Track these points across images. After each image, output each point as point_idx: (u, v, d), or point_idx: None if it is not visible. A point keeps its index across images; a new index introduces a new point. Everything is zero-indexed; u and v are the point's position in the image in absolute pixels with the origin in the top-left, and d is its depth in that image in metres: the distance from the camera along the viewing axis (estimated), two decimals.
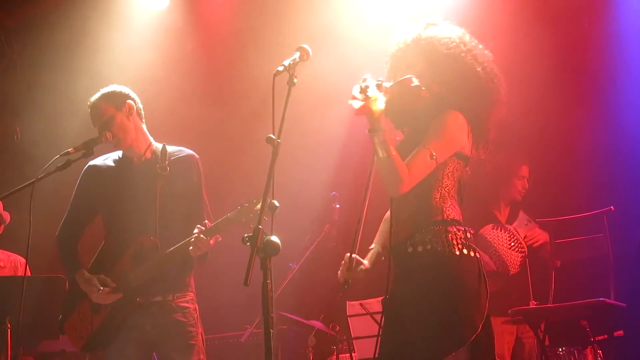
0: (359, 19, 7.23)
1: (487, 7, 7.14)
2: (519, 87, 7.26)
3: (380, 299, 6.39)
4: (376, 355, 3.87)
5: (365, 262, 4.13)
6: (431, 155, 3.75)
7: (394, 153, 3.66)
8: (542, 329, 6.22)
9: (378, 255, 4.19)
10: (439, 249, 3.78)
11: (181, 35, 8.05)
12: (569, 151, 7.47)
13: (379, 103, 3.61)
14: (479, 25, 6.36)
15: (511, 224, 6.79)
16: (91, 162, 5.21)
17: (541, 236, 6.73)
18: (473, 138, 3.97)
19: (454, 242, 3.79)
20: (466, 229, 3.89)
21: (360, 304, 6.64)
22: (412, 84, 3.74)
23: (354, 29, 7.10)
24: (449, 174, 3.91)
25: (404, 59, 4.03)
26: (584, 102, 7.37)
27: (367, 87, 3.58)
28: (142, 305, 4.89)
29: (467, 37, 4.07)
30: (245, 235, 3.34)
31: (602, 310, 5.98)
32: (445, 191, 3.89)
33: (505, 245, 6.67)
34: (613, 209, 6.45)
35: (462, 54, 3.99)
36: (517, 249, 6.63)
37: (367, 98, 3.58)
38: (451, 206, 3.89)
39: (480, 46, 4.08)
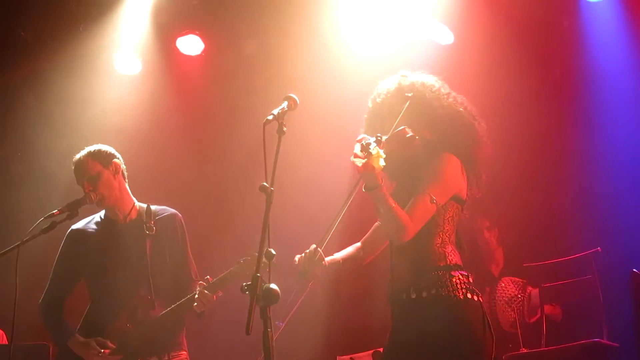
0: (330, 76, 7.36)
1: (460, 58, 7.27)
2: (499, 133, 7.42)
3: (370, 352, 6.44)
4: None
5: (326, 260, 4.09)
6: (431, 200, 3.84)
7: (393, 205, 3.73)
8: None
9: (337, 264, 4.17)
10: (444, 293, 3.83)
11: (156, 98, 8.08)
12: (554, 194, 7.53)
13: (381, 160, 3.66)
14: (453, 70, 6.55)
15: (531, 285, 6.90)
16: (74, 227, 5.22)
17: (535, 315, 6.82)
18: (467, 179, 4.06)
19: (459, 287, 3.86)
20: (468, 274, 3.95)
21: (351, 358, 6.65)
22: (408, 135, 3.79)
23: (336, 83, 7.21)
24: (449, 219, 3.99)
25: (390, 108, 4.10)
26: (568, 145, 7.46)
27: (368, 144, 3.64)
28: None
29: (441, 83, 4.20)
30: (244, 284, 3.33)
31: (597, 351, 6.03)
32: (446, 236, 3.97)
33: (504, 298, 6.75)
34: (600, 250, 6.53)
35: (445, 97, 4.12)
36: (514, 307, 6.71)
37: (369, 155, 3.63)
38: (452, 251, 3.97)
39: (453, 92, 4.21)
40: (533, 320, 6.79)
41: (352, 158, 3.67)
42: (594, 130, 7.39)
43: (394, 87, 4.15)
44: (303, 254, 3.98)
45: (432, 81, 4.18)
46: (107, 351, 4.86)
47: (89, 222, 5.24)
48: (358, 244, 4.29)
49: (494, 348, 3.87)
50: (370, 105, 4.25)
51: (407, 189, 3.93)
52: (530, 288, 6.90)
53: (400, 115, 3.95)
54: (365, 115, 4.28)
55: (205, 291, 4.70)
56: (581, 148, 7.39)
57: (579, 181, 7.42)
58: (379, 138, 3.72)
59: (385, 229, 3.85)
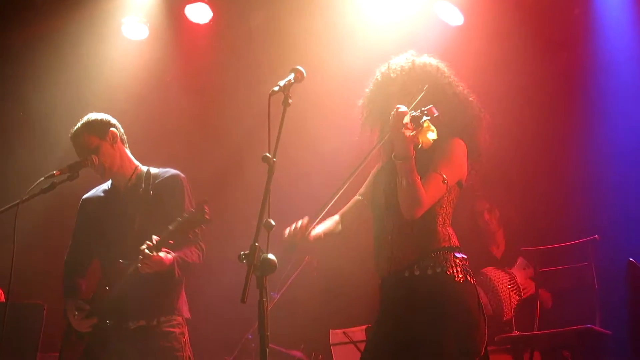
0: (340, 48, 7.34)
1: (470, 40, 7.25)
2: (503, 118, 7.42)
3: (363, 327, 6.45)
4: None
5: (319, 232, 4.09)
6: (443, 180, 3.89)
7: (418, 180, 3.77)
8: (528, 357, 6.30)
9: (320, 240, 4.12)
10: (448, 272, 3.89)
11: (163, 65, 8.07)
12: (555, 181, 7.55)
13: (431, 134, 3.74)
14: (461, 51, 6.52)
15: (511, 267, 6.89)
16: (85, 196, 5.27)
17: (531, 288, 6.82)
18: (470, 164, 4.10)
19: (460, 269, 3.92)
20: (467, 257, 4.01)
21: (344, 333, 6.68)
22: (435, 114, 3.76)
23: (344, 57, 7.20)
24: (451, 202, 4.05)
25: (402, 85, 4.10)
26: (572, 132, 7.46)
27: (420, 116, 3.69)
28: (122, 330, 4.87)
29: (452, 70, 4.22)
30: (242, 252, 3.34)
31: (589, 337, 6.05)
32: (447, 218, 4.03)
33: (505, 286, 6.77)
34: (598, 238, 6.53)
35: (456, 84, 4.16)
36: (515, 291, 6.72)
37: (420, 127, 3.70)
38: (453, 233, 4.03)
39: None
40: (524, 299, 6.80)
41: (403, 130, 3.68)
42: (598, 119, 7.38)
43: (407, 66, 4.15)
44: (293, 227, 3.95)
45: (445, 67, 4.19)
46: (81, 315, 4.90)
47: (97, 190, 5.27)
48: (336, 217, 4.26)
49: (487, 330, 3.92)
50: (379, 78, 4.23)
51: (419, 165, 3.89)
52: (510, 270, 6.91)
53: (420, 96, 3.94)
54: (371, 87, 4.28)
55: (147, 251, 4.61)
56: (585, 136, 7.38)
57: (582, 169, 7.42)
58: (425, 112, 3.72)
59: (403, 201, 3.82)
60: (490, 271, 6.90)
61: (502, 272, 6.88)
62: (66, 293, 5.09)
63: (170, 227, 4.65)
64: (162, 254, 4.68)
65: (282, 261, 3.81)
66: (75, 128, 5.07)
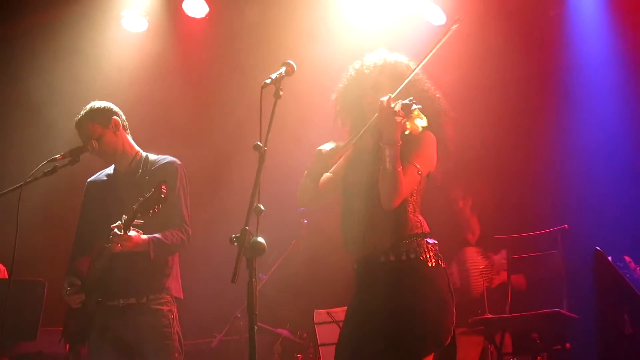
0: (330, 44, 7.40)
1: (451, 39, 7.31)
2: (482, 112, 7.51)
3: (345, 307, 6.52)
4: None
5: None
6: (418, 171, 3.95)
7: (400, 168, 3.83)
8: (499, 339, 6.41)
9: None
10: (421, 258, 3.95)
11: (161, 57, 8.12)
12: (528, 173, 7.63)
13: (420, 121, 3.79)
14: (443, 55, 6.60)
15: (494, 254, 7.01)
16: (89, 179, 5.26)
17: (504, 276, 6.92)
18: (438, 157, 4.14)
19: (431, 254, 3.98)
20: (437, 242, 4.07)
21: (328, 313, 6.75)
22: (413, 107, 3.81)
23: (325, 53, 7.26)
24: (420, 191, 4.09)
25: (375, 81, 4.16)
26: (545, 127, 7.54)
27: (410, 105, 3.76)
28: (112, 308, 4.89)
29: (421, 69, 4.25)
30: (233, 235, 3.38)
31: (557, 320, 6.15)
32: (417, 206, 4.08)
33: (477, 269, 6.87)
34: (567, 227, 6.63)
35: (425, 82, 4.22)
36: (485, 277, 6.82)
37: (410, 114, 3.76)
38: (424, 220, 4.08)
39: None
40: (496, 284, 6.91)
41: (395, 117, 3.76)
42: (571, 115, 7.46)
43: (380, 63, 4.20)
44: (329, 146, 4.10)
45: (414, 65, 4.20)
46: (71, 290, 4.90)
47: (101, 174, 5.25)
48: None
49: (455, 311, 3.98)
50: (353, 74, 4.27)
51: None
52: (491, 254, 7.01)
53: (400, 88, 3.98)
54: (345, 83, 4.30)
55: (116, 230, 4.62)
56: (558, 130, 7.46)
57: (553, 162, 7.51)
58: (413, 100, 3.79)
59: (383, 187, 3.87)
60: (469, 252, 7.05)
61: (481, 257, 6.99)
62: (67, 272, 5.08)
63: (134, 207, 4.62)
64: (132, 233, 4.67)
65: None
66: (78, 116, 5.05)
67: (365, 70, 4.21)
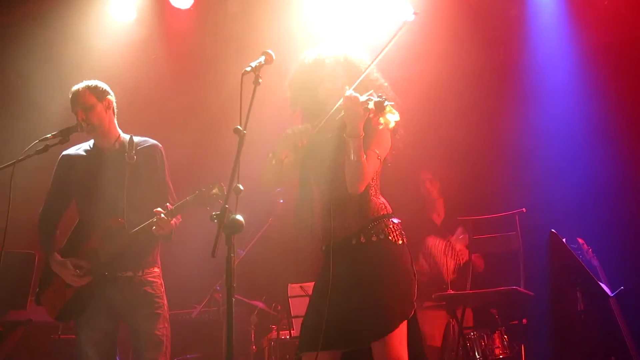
0: (310, 33, 7.33)
1: (418, 33, 7.27)
2: (447, 101, 7.49)
3: None
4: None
5: None
6: (378, 157, 3.96)
7: (363, 157, 3.83)
8: (461, 314, 6.39)
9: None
10: (390, 238, 3.99)
11: (146, 45, 8.00)
12: (490, 159, 7.62)
13: (392, 116, 3.77)
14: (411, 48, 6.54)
15: (451, 235, 6.97)
16: (65, 152, 5.16)
17: (465, 255, 6.90)
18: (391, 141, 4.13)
19: (397, 233, 4.02)
20: (400, 221, 4.09)
21: (300, 287, 6.73)
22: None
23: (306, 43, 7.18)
24: (379, 174, 4.11)
25: (332, 70, 4.13)
26: (504, 118, 7.51)
27: (383, 102, 3.74)
28: (112, 279, 4.87)
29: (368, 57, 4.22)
30: (214, 213, 3.38)
31: (514, 297, 6.15)
32: (378, 189, 4.11)
33: (441, 252, 6.86)
34: (525, 210, 6.63)
35: (375, 72, 4.19)
36: (451, 256, 6.82)
37: (382, 110, 3.74)
38: (386, 202, 4.11)
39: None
40: (463, 262, 6.90)
41: (361, 110, 3.75)
42: (528, 105, 7.47)
43: (339, 54, 4.17)
44: (296, 129, 4.02)
45: (366, 57, 4.20)
46: (81, 273, 4.87)
47: (79, 149, 5.17)
48: None
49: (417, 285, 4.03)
50: (309, 62, 4.21)
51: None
52: (449, 236, 7.01)
53: (358, 81, 3.94)
54: (299, 69, 4.24)
55: (162, 216, 4.69)
56: (517, 120, 7.44)
57: (513, 149, 7.51)
58: (383, 97, 3.77)
59: (350, 176, 3.87)
60: (430, 240, 7.05)
61: (440, 240, 6.98)
62: (47, 246, 5.01)
63: (188, 198, 4.73)
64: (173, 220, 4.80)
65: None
66: (77, 86, 5.02)
67: (326, 60, 4.16)
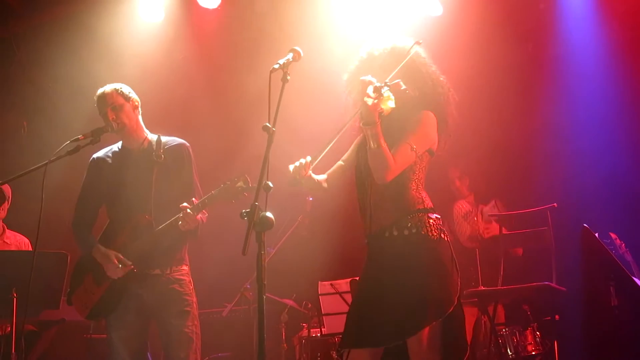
0: (338, 30, 7.34)
1: (448, 29, 7.24)
2: (477, 98, 7.44)
3: (348, 280, 6.49)
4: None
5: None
6: (412, 148, 3.90)
7: (384, 145, 3.79)
8: (492, 310, 6.35)
9: (314, 183, 4.09)
10: (423, 232, 3.93)
11: (175, 45, 8.05)
12: (521, 154, 7.60)
13: (391, 102, 3.73)
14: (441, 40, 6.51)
15: (486, 205, 6.98)
16: (95, 155, 5.22)
17: (494, 230, 6.87)
18: (439, 135, 4.10)
19: (434, 228, 3.96)
20: (440, 216, 4.05)
21: (331, 284, 6.72)
22: (402, 87, 3.78)
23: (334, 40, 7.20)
24: (423, 168, 4.07)
25: (383, 63, 4.09)
26: (534, 113, 7.49)
27: (381, 87, 3.70)
28: (141, 277, 4.90)
29: (427, 53, 4.23)
30: (243, 210, 3.37)
31: (546, 293, 6.11)
32: (420, 183, 4.06)
33: (460, 215, 6.85)
34: (556, 205, 6.58)
35: (430, 65, 4.18)
36: (469, 221, 6.81)
37: (381, 97, 3.70)
38: (427, 196, 4.06)
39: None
40: (488, 236, 6.87)
41: (364, 98, 3.70)
42: (558, 99, 7.42)
43: (390, 46, 4.15)
44: (297, 163, 3.92)
45: (420, 49, 4.18)
46: (122, 267, 4.88)
47: (108, 151, 5.22)
48: (324, 176, 4.21)
49: (459, 282, 3.95)
50: (364, 56, 4.21)
51: (391, 135, 3.92)
52: (481, 205, 6.99)
53: (395, 71, 3.91)
54: (356, 64, 4.24)
55: (188, 211, 4.70)
56: (547, 114, 7.40)
57: (543, 144, 7.48)
58: (387, 84, 3.74)
59: (372, 165, 3.86)
60: (457, 204, 7.21)
61: (467, 205, 6.97)
62: (87, 245, 5.04)
63: (213, 193, 4.73)
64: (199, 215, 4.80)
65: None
66: (104, 88, 5.07)
67: (375, 52, 4.17)
